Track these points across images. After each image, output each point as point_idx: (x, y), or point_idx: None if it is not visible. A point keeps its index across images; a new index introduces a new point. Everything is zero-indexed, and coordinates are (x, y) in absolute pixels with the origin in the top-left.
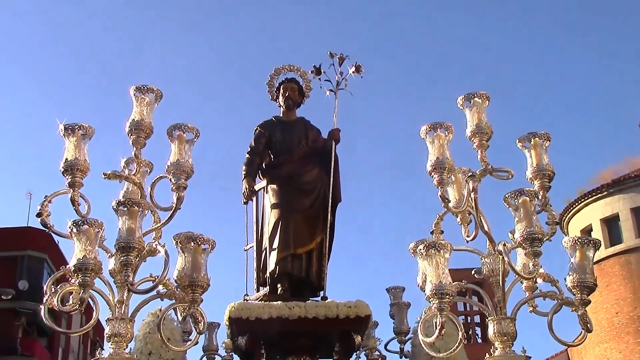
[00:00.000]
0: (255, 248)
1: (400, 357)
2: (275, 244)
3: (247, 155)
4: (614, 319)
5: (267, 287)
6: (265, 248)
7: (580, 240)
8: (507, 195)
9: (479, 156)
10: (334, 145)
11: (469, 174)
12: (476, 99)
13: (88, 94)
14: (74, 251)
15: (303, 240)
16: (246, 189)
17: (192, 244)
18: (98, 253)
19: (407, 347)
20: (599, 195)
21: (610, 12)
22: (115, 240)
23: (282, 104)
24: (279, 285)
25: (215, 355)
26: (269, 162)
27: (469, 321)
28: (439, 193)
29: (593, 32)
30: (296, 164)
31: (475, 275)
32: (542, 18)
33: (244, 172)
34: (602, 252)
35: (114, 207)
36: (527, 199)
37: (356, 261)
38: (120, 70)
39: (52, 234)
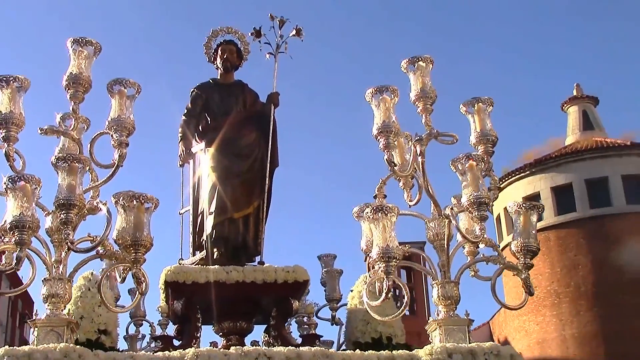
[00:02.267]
0: (191, 211)
1: (332, 324)
2: (212, 208)
3: (184, 117)
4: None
5: (204, 251)
6: (202, 212)
7: (524, 205)
8: (454, 160)
9: (423, 120)
10: (272, 109)
11: (415, 138)
12: (420, 62)
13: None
14: (7, 208)
15: (240, 205)
16: (182, 151)
17: (135, 202)
18: (35, 210)
19: (338, 314)
20: (522, 174)
21: None
22: (55, 197)
23: (219, 66)
24: (215, 250)
25: (143, 321)
26: (205, 125)
27: (396, 293)
28: (386, 157)
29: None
30: (234, 128)
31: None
32: None
33: (180, 135)
34: None
35: (53, 162)
36: (474, 163)
37: (287, 227)
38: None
39: None
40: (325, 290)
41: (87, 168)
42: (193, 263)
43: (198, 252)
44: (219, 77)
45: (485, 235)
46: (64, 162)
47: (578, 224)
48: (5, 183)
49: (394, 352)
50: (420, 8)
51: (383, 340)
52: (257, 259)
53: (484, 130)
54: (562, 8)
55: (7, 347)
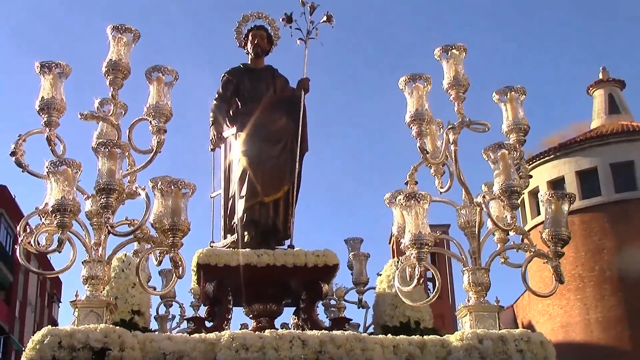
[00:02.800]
0: (222, 195)
1: (358, 307)
2: (243, 192)
3: (215, 102)
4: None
5: (235, 234)
6: (233, 196)
7: (555, 194)
8: (486, 148)
9: (455, 108)
10: (303, 95)
11: (448, 126)
12: (454, 50)
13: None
14: (47, 192)
15: (270, 189)
16: (214, 135)
17: (173, 188)
18: (76, 194)
19: (364, 297)
20: (547, 158)
21: None
22: (95, 182)
23: (250, 51)
24: (246, 233)
25: (173, 302)
26: (236, 110)
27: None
28: (418, 144)
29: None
30: (264, 113)
31: None
32: None
33: (211, 119)
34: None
35: (94, 147)
36: (506, 152)
37: (314, 211)
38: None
39: (8, 190)
40: (352, 274)
41: (126, 153)
42: (224, 246)
43: (229, 235)
44: (249, 62)
45: (516, 224)
46: (104, 148)
47: (603, 208)
48: (47, 167)
49: (425, 337)
50: None
51: (411, 324)
52: (286, 242)
53: (516, 118)
54: None
55: (49, 326)
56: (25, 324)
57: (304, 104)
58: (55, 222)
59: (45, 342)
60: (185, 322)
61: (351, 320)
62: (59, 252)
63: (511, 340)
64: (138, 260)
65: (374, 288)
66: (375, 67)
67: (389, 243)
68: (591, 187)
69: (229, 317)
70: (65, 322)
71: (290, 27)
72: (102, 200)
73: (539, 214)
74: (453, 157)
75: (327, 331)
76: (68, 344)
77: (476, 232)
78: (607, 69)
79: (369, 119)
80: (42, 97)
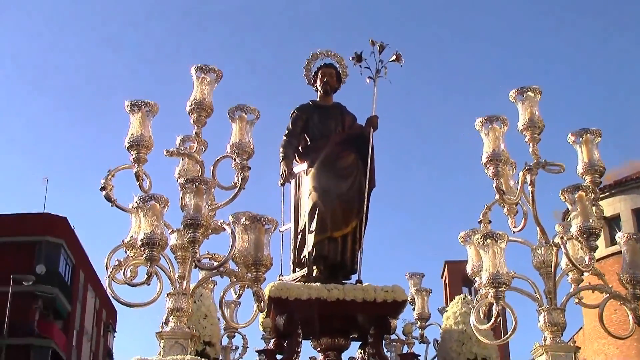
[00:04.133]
0: (292, 229)
1: (420, 343)
2: (313, 227)
3: (285, 138)
4: (612, 316)
5: (305, 268)
6: (302, 230)
7: (634, 236)
8: (564, 189)
9: (530, 149)
10: (371, 132)
11: (526, 167)
12: (529, 92)
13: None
14: (132, 225)
15: (339, 224)
16: (284, 170)
17: (256, 223)
18: (164, 228)
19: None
20: (601, 195)
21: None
22: (182, 217)
23: (319, 88)
24: (314, 268)
25: (235, 334)
26: (306, 146)
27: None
28: (495, 184)
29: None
30: (334, 149)
31: None
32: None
33: (281, 154)
34: (603, 251)
35: (182, 184)
36: (584, 194)
37: (377, 246)
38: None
39: (68, 221)
40: (413, 309)
41: (212, 190)
42: (294, 280)
43: (298, 269)
44: (318, 99)
45: (594, 265)
46: (191, 184)
47: None
48: (136, 202)
49: None
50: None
51: None
52: (353, 277)
53: (591, 160)
54: None
55: (139, 357)
56: (82, 352)
57: (371, 141)
58: (144, 255)
59: None
60: (246, 352)
61: (419, 356)
62: (148, 284)
63: None
64: (221, 294)
65: (435, 324)
66: (442, 107)
67: (441, 277)
68: None
69: (299, 350)
70: (120, 351)
71: (360, 65)
72: (189, 235)
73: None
74: (530, 197)
75: None
76: None
77: (552, 271)
78: None
79: (434, 158)
80: (132, 134)
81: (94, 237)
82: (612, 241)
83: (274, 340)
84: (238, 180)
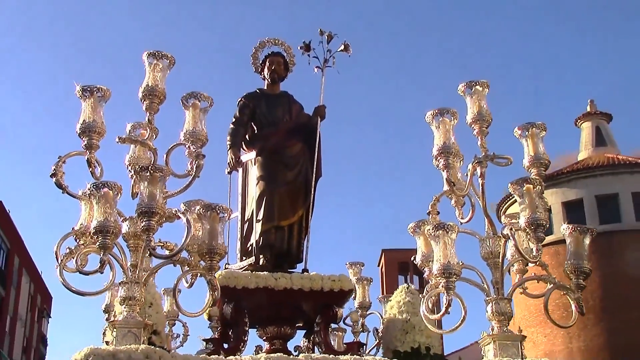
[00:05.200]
0: (239, 218)
1: (361, 331)
2: (260, 216)
3: (232, 126)
4: (540, 305)
5: (252, 257)
6: (249, 219)
7: (578, 228)
8: (512, 182)
9: (479, 142)
10: (319, 122)
11: (475, 160)
12: (477, 86)
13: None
14: (82, 213)
15: (286, 213)
16: (232, 159)
17: (210, 212)
18: (117, 216)
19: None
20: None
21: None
22: (137, 205)
23: (267, 77)
24: (261, 256)
25: (176, 321)
26: (253, 134)
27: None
28: (445, 176)
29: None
30: (281, 138)
31: (414, 260)
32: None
33: (229, 143)
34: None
35: (136, 171)
36: (531, 186)
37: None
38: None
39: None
40: (354, 298)
41: (167, 177)
42: (241, 268)
43: (245, 257)
44: (265, 88)
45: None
46: (146, 172)
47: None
48: (89, 189)
49: None
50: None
51: (422, 350)
52: (298, 266)
53: (537, 154)
54: (578, 25)
55: (92, 346)
56: (15, 338)
57: (319, 130)
58: (97, 243)
59: None
60: (187, 340)
61: (365, 344)
62: (101, 272)
63: None
64: (174, 283)
65: (376, 313)
66: (394, 98)
67: (378, 265)
68: (576, 218)
69: (245, 339)
70: (55, 338)
71: (309, 55)
72: (144, 222)
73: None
74: (480, 189)
75: (357, 356)
76: None
77: (500, 262)
78: (595, 102)
79: (380, 136)
80: (84, 120)
81: (31, 222)
82: (545, 232)
83: (219, 328)
84: (192, 168)
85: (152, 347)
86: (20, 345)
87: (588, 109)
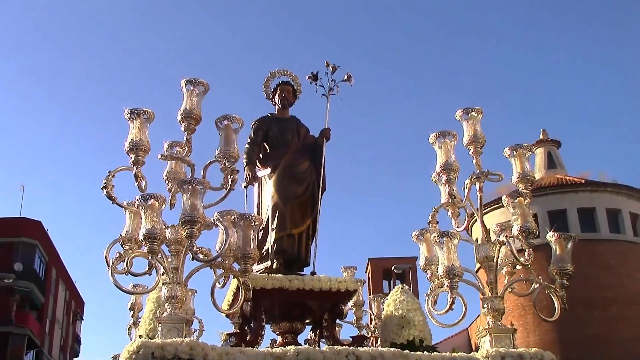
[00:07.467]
0: None
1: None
2: (274, 225)
3: (247, 146)
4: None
5: (268, 261)
6: (264, 227)
7: (562, 235)
8: (506, 195)
9: (474, 161)
10: (324, 142)
11: (475, 176)
12: (473, 113)
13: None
14: (126, 222)
15: (297, 223)
16: (248, 174)
17: (245, 221)
18: (162, 224)
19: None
20: (496, 205)
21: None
22: (180, 215)
23: (278, 102)
24: (274, 261)
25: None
26: (265, 153)
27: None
28: (447, 190)
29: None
30: (291, 156)
31: (394, 270)
32: None
33: (245, 160)
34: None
35: (180, 185)
36: (522, 199)
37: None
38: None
39: (43, 224)
40: None
41: (206, 190)
42: (258, 271)
43: (260, 262)
44: (276, 112)
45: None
46: (188, 185)
47: (541, 248)
48: (138, 200)
49: (454, 353)
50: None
51: (416, 342)
52: (305, 269)
53: (524, 171)
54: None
55: (142, 339)
56: (54, 338)
57: (325, 150)
58: (146, 248)
59: (140, 352)
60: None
61: (368, 338)
62: (149, 274)
63: (528, 357)
64: (212, 284)
65: (368, 311)
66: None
67: (365, 272)
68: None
69: (263, 333)
70: (87, 338)
71: (316, 84)
72: (187, 230)
73: None
74: (479, 202)
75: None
76: (160, 355)
77: (494, 265)
78: (547, 130)
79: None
80: (131, 139)
81: (65, 238)
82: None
83: (239, 324)
84: (228, 182)
85: (195, 340)
86: (58, 344)
87: (541, 136)
